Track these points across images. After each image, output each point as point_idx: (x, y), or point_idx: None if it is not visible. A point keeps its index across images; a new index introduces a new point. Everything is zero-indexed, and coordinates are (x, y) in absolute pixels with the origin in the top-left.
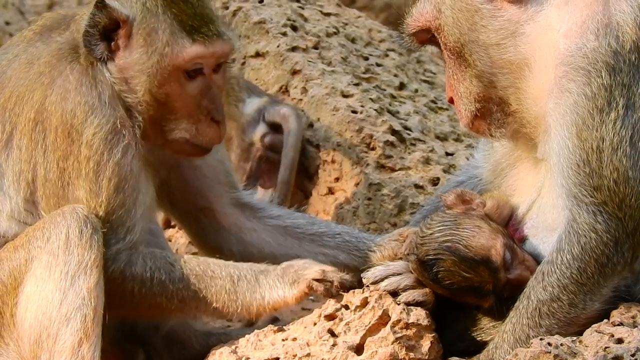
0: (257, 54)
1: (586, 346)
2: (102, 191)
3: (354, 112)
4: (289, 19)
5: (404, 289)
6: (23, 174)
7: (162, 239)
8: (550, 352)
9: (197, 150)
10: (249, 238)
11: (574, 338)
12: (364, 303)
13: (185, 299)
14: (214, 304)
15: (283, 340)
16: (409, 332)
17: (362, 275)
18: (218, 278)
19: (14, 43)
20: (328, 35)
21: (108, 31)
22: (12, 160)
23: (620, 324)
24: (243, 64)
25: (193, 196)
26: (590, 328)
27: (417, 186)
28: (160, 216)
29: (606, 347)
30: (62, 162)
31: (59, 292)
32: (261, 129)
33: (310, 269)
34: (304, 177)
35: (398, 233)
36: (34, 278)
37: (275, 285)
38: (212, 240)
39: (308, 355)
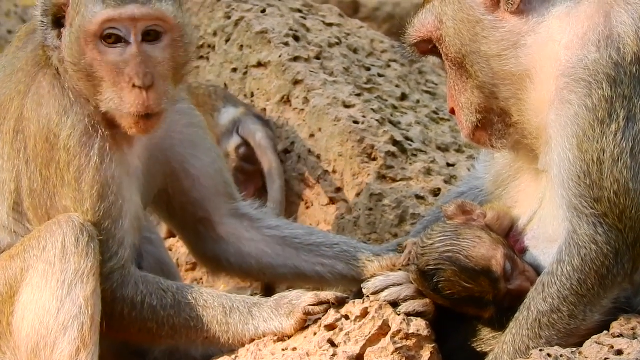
0: (259, 64)
1: (586, 357)
2: (86, 198)
3: (356, 122)
4: (291, 29)
5: (405, 300)
6: (7, 184)
7: (163, 249)
8: None
9: (133, 120)
10: (247, 249)
11: (574, 349)
12: (364, 313)
13: (176, 327)
14: (205, 334)
15: (283, 350)
16: (409, 343)
17: (362, 285)
18: (210, 308)
19: (5, 53)
20: (330, 45)
21: (59, 18)
22: None
23: (620, 335)
24: (245, 73)
25: (192, 207)
26: (590, 339)
27: (418, 197)
28: (163, 227)
29: (606, 359)
30: (45, 170)
31: (56, 300)
32: (235, 140)
33: (304, 296)
34: (305, 187)
35: (397, 243)
36: (30, 287)
37: (271, 318)
38: (210, 250)
39: None
